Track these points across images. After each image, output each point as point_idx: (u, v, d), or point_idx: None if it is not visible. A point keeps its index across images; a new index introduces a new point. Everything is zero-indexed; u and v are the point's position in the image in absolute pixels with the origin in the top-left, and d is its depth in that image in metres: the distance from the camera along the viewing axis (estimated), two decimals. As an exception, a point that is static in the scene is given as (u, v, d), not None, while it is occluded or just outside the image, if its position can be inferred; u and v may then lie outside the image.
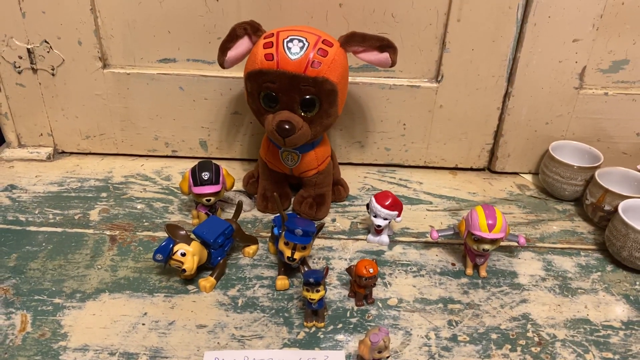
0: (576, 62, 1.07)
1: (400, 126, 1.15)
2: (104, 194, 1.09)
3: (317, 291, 0.78)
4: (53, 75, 1.10)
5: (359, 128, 1.16)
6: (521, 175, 1.22)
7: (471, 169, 1.22)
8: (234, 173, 1.14)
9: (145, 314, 0.83)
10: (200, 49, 1.08)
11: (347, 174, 1.15)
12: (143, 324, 0.81)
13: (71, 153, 1.21)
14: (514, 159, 1.19)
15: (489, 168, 1.23)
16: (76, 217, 1.02)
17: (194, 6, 1.03)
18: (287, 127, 0.87)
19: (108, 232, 0.99)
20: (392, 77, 1.10)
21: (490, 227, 0.86)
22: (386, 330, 0.72)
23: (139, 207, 1.06)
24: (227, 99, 1.12)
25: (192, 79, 1.10)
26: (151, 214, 1.04)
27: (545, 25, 1.03)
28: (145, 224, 1.02)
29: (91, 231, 0.99)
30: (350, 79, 1.09)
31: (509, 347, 0.80)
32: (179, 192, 0.97)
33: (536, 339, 0.82)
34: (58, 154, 1.21)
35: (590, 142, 1.14)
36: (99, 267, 0.91)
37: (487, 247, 0.88)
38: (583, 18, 1.02)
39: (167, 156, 1.21)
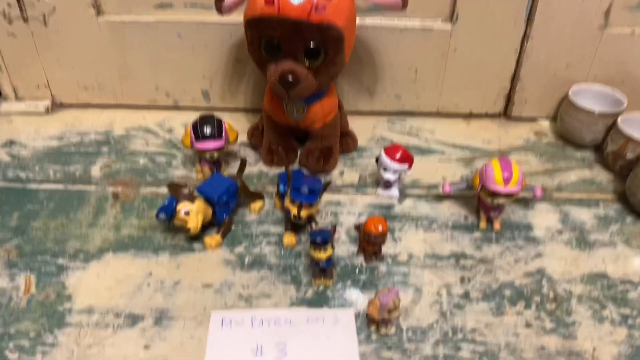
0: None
1: (411, 72, 1.09)
2: (105, 149, 1.06)
3: (325, 250, 0.76)
4: (45, 24, 1.04)
5: (368, 75, 1.10)
6: (538, 121, 1.16)
7: (486, 115, 1.17)
8: (239, 124, 1.10)
9: (151, 273, 0.81)
10: (197, -7, 1.01)
11: (356, 124, 1.10)
12: (148, 285, 0.80)
13: (70, 105, 1.17)
14: (532, 104, 1.13)
15: (505, 114, 1.17)
16: (77, 174, 1.00)
17: (190, -54, 0.96)
18: (290, 78, 0.82)
19: (110, 189, 0.96)
20: (402, 19, 1.03)
21: (506, 181, 0.82)
22: (396, 290, 0.70)
23: (141, 161, 1.03)
24: (228, 46, 1.07)
25: (190, 26, 1.04)
26: (154, 168, 1.01)
27: (570, -41, 0.95)
28: (149, 179, 0.99)
29: (93, 188, 0.97)
30: (358, 22, 1.02)
31: (523, 303, 0.78)
32: (182, 145, 0.94)
33: (551, 295, 0.79)
34: (57, 106, 1.17)
35: (613, 83, 1.07)
36: (102, 225, 0.89)
37: (501, 201, 0.84)
38: (611, -50, 0.94)
39: (168, 107, 1.16)
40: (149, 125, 1.12)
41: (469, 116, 1.16)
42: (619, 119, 0.99)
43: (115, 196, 0.95)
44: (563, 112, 1.08)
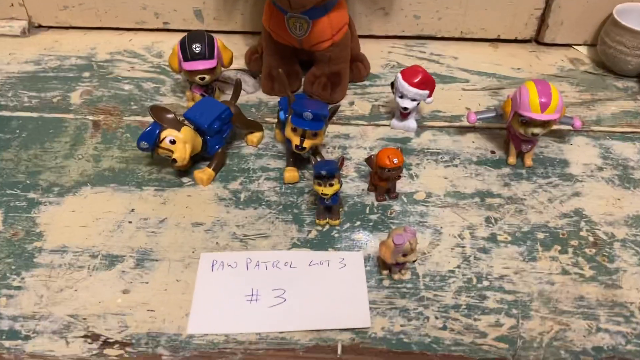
0: None
1: (432, -13, 0.96)
2: (86, 74, 0.95)
3: (331, 185, 0.65)
4: None
5: (383, -9, 0.97)
6: (574, 47, 1.02)
7: (515, 41, 1.03)
8: (236, 49, 0.97)
9: (133, 210, 0.72)
10: None
11: (368, 49, 0.97)
12: (130, 222, 0.70)
13: (49, 27, 1.05)
14: (568, 28, 1.00)
15: (537, 39, 1.03)
16: (55, 100, 0.89)
17: None
18: (292, -19, 0.70)
19: (91, 117, 0.86)
20: None
21: (543, 107, 0.70)
22: (413, 230, 0.60)
23: (126, 88, 0.92)
24: (223, -44, 0.93)
25: None
26: (140, 95, 0.90)
27: None
28: (134, 107, 0.88)
29: (71, 116, 0.86)
30: None
31: (559, 248, 0.68)
32: (171, 70, 0.82)
33: (591, 238, 0.69)
34: (34, 28, 1.05)
35: (664, 4, 0.94)
36: (80, 156, 0.79)
37: (537, 130, 0.73)
38: None
39: (158, 29, 1.04)
40: (135, 49, 1.00)
41: (497, 41, 1.03)
42: (673, 41, 0.86)
43: (96, 125, 0.84)
44: (605, 35, 0.94)
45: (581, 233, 0.70)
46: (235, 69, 0.94)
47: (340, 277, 0.64)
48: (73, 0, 1.00)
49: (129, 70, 0.95)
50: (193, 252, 0.67)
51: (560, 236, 0.69)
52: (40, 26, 1.05)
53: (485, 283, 0.64)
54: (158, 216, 0.71)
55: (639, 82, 0.95)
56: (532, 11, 0.98)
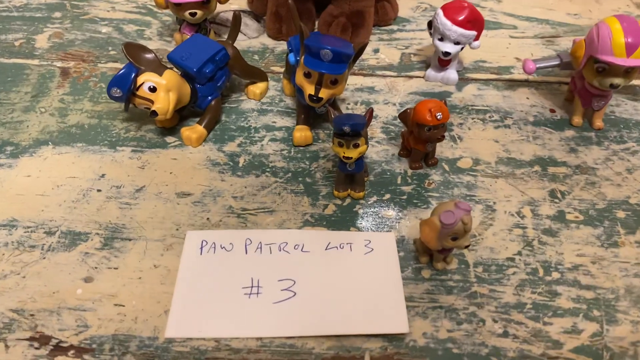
0: None
1: None
2: (57, 14, 0.79)
3: (356, 146, 0.50)
4: None
5: None
6: (642, -9, 0.86)
7: (571, -18, 0.87)
8: (237, -13, 0.82)
9: (103, 175, 0.57)
10: None
11: (395, -11, 0.82)
12: (98, 190, 0.55)
13: (17, -39, 0.89)
14: (636, -34, 0.83)
15: (597, -19, 0.87)
16: (16, 44, 0.74)
17: None
18: None
19: (59, 64, 0.70)
20: None
21: (630, 49, 0.54)
22: (467, 205, 0.45)
23: (104, 30, 0.76)
24: None
25: None
26: (120, 39, 0.74)
27: None
28: (112, 52, 0.72)
29: (36, 62, 0.71)
30: None
31: (647, 231, 0.53)
32: (157, 7, 0.67)
33: (688, 220, 0.54)
34: (-1, -38, 0.89)
35: None
36: (42, 110, 0.64)
37: (617, 81, 0.57)
38: None
39: (145, -35, 0.88)
40: (117, -13, 0.84)
41: (548, -17, 0.86)
42: None
43: (65, 73, 0.69)
44: (685, -26, 0.77)
45: (674, 211, 0.54)
46: (235, 10, 0.78)
47: (367, 265, 0.50)
48: None
49: (108, 11, 0.80)
50: (177, 229, 0.52)
51: (648, 216, 0.54)
52: (6, -41, 0.89)
53: (556, 275, 0.49)
54: (134, 184, 0.56)
55: None
56: (593, -54, 0.82)
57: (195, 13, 0.65)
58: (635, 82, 0.68)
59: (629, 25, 0.55)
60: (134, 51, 0.56)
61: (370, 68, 0.71)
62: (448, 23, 0.62)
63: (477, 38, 0.64)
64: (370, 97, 0.67)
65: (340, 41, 0.55)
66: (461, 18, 0.62)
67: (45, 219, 0.53)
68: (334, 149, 0.51)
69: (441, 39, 0.64)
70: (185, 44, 0.59)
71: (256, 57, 0.72)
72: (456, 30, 0.62)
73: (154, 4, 0.77)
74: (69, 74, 0.69)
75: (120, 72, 0.55)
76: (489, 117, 0.64)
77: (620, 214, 0.54)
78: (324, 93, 0.55)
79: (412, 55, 0.73)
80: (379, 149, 0.60)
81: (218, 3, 0.69)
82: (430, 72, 0.69)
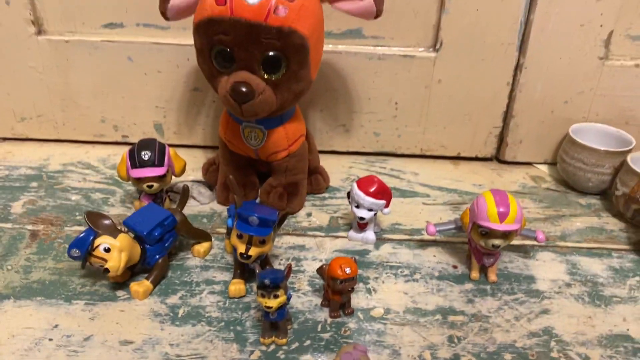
0: (601, 26, 0.89)
1: (391, 105, 0.97)
2: (34, 184, 0.91)
3: (276, 296, 0.59)
4: (-23, 42, 0.92)
5: (343, 108, 0.98)
6: (536, 165, 1.03)
7: (476, 159, 1.03)
8: (196, 162, 0.97)
9: (56, 326, 0.64)
10: (152, 11, 0.88)
11: (330, 164, 0.97)
12: (50, 340, 0.62)
13: (5, 139, 1.03)
14: (527, 146, 1.01)
15: (498, 157, 1.04)
16: (-6, 210, 0.84)
17: (144, -42, 0.86)
18: (243, 89, 0.69)
19: (29, 227, 0.80)
20: (381, 46, 0.92)
21: (502, 217, 0.67)
22: (364, 348, 0.53)
23: (73, 198, 0.88)
24: (184, 72, 0.95)
25: (142, 48, 0.92)
26: (87, 206, 0.86)
27: (564, -20, 0.85)
28: (78, 217, 0.83)
29: (9, 225, 0.81)
30: (331, 47, 0.92)
31: (529, 371, 0.61)
32: (120, 179, 0.79)
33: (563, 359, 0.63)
34: (-11, 139, 1.03)
35: (617, 125, 0.95)
36: (9, 267, 0.73)
37: (497, 242, 0.69)
38: (609, -30, 0.85)
39: (116, 142, 1.02)
40: (90, 161, 0.98)
41: (458, 159, 1.03)
42: (629, 157, 0.86)
43: (34, 235, 0.79)
44: (563, 153, 0.94)
45: (552, 354, 0.63)
46: (191, 181, 0.91)
47: (283, 404, 0.56)
48: (31, 112, 0.99)
49: (79, 181, 0.92)
50: (117, 374, 0.59)
51: (530, 357, 0.62)
52: (-5, 138, 1.03)
53: (449, 412, 0.56)
54: (84, 333, 0.63)
55: (602, 199, 0.94)
56: (491, 129, 1.00)
57: (152, 185, 0.77)
58: (526, 242, 0.80)
59: (501, 199, 0.69)
60: (94, 218, 0.66)
61: (302, 229, 0.82)
62: (362, 194, 0.75)
63: (386, 206, 0.77)
64: (300, 254, 0.77)
65: (267, 209, 0.67)
66: (372, 190, 0.75)
67: (-2, 366, 0.59)
68: (257, 299, 0.60)
69: (357, 206, 0.76)
70: (139, 211, 0.71)
71: (205, 220, 0.84)
72: (368, 200, 0.75)
73: (120, 175, 0.91)
74: (37, 236, 0.79)
75: (80, 235, 0.65)
76: (401, 272, 0.75)
77: (507, 356, 0.63)
78: (253, 251, 0.65)
79: (339, 219, 0.85)
80: (304, 300, 0.69)
81: (173, 176, 0.82)
82: (352, 233, 0.80)
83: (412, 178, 0.97)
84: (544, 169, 1.02)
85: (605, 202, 0.93)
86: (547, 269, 0.77)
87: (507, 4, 0.87)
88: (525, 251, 0.80)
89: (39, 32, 0.92)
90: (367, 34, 0.92)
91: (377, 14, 0.73)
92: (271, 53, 0.70)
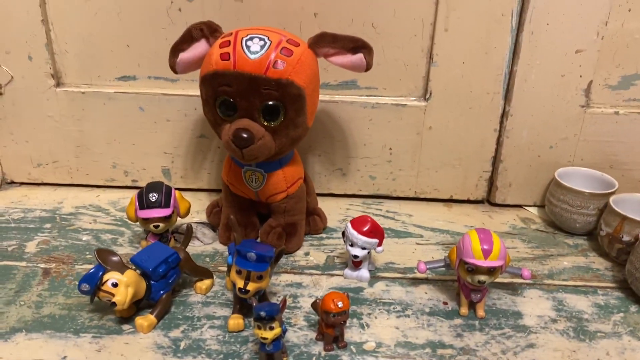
0: (581, 76, 0.95)
1: (385, 151, 1.03)
2: (47, 225, 0.96)
3: (271, 328, 0.63)
4: (1, 94, 1.00)
5: (340, 153, 1.03)
6: (525, 207, 1.07)
7: (468, 201, 1.08)
8: (201, 205, 1.02)
9: (65, 358, 0.68)
10: (162, 65, 0.95)
11: (327, 205, 1.02)
12: (58, 370, 0.66)
13: (21, 183, 1.09)
14: (516, 189, 1.05)
15: (489, 200, 1.09)
16: (9, 249, 0.89)
17: (156, 18, 0.94)
18: (244, 135, 0.75)
19: (42, 265, 0.85)
20: (374, 95, 0.99)
21: (486, 254, 0.71)
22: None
23: (84, 238, 0.93)
24: (191, 120, 1.01)
25: (153, 98, 0.99)
26: (97, 245, 0.91)
27: (544, 34, 0.92)
28: (88, 256, 0.88)
29: (23, 264, 0.85)
30: (328, 97, 0.98)
31: (514, 402, 0.64)
32: (129, 220, 0.84)
33: (548, 392, 0.65)
34: (7, 184, 1.09)
35: (601, 169, 1.00)
36: (22, 303, 0.77)
37: (483, 278, 0.73)
38: (586, 25, 0.91)
39: (126, 187, 1.08)
40: (101, 204, 1.03)
41: (450, 201, 1.08)
42: (611, 199, 0.90)
43: (46, 273, 0.83)
44: (550, 195, 0.99)
45: (537, 386, 0.66)
46: (196, 222, 0.96)
47: None
48: (47, 158, 1.06)
49: (90, 223, 0.97)
50: (121, 403, 0.62)
51: (515, 388, 0.65)
52: (12, 182, 1.09)
53: None
54: (90, 364, 0.67)
55: (588, 240, 0.97)
56: (481, 174, 1.05)
57: (158, 225, 0.82)
58: (514, 280, 0.83)
59: (485, 236, 0.73)
60: (104, 255, 0.71)
61: (300, 267, 0.87)
62: (355, 233, 0.80)
63: (379, 244, 0.81)
64: (297, 291, 0.81)
65: (264, 246, 0.71)
66: (365, 229, 0.80)
67: (9, 394, 0.63)
68: (254, 331, 0.64)
69: (351, 245, 0.81)
70: (145, 249, 0.75)
71: (207, 259, 0.88)
72: (361, 238, 0.79)
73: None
74: (49, 274, 0.83)
75: (90, 271, 0.69)
76: (393, 308, 0.78)
77: (494, 388, 0.66)
78: (251, 286, 0.69)
79: (335, 257, 0.89)
80: (300, 334, 0.73)
81: (179, 217, 0.87)
82: (347, 271, 0.84)
83: (406, 219, 1.02)
84: (533, 211, 1.06)
85: (592, 242, 0.97)
86: (534, 306, 0.80)
87: (491, 56, 0.94)
88: (513, 289, 0.83)
89: (58, 84, 1.00)
90: (362, 85, 0.98)
91: (367, 67, 0.80)
92: (270, 102, 0.76)
